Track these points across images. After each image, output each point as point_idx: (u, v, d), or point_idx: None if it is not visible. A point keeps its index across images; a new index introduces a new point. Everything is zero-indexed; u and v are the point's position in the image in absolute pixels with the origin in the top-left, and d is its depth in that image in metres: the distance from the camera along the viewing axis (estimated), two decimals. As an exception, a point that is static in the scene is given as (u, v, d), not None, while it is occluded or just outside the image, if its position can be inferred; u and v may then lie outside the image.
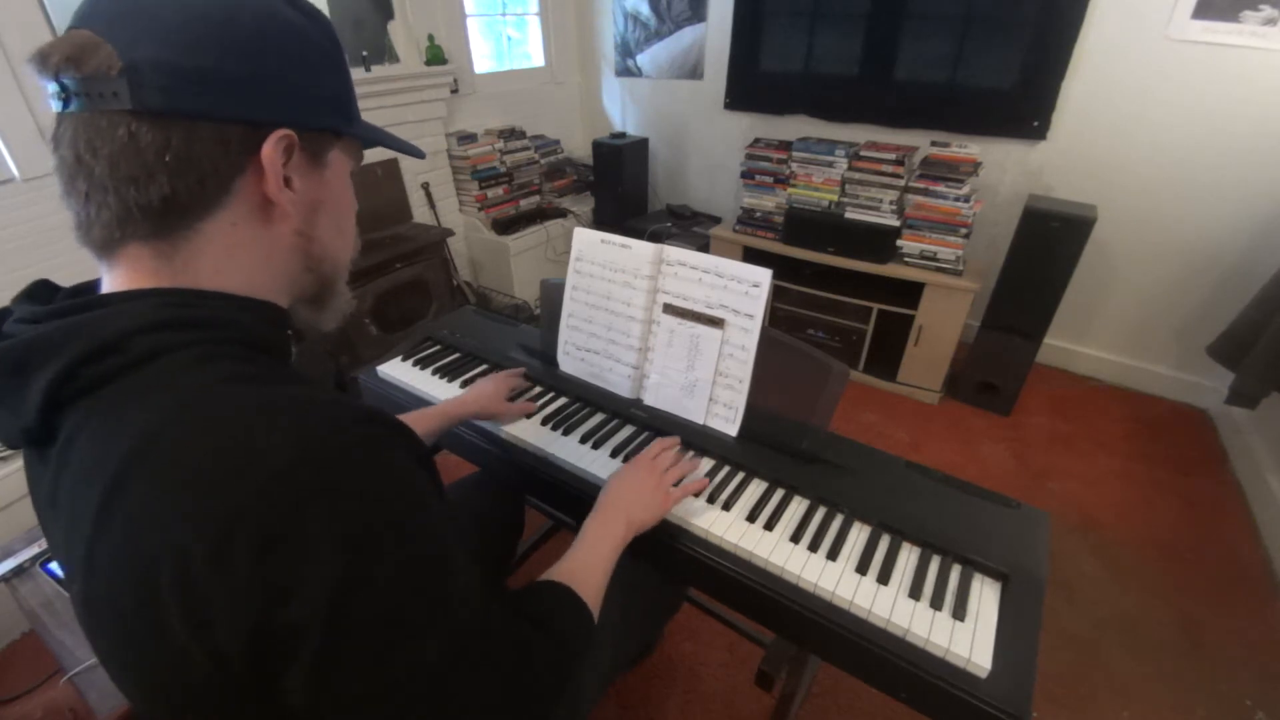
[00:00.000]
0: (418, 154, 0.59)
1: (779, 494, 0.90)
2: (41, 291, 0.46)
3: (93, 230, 0.41)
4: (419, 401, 1.14)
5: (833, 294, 2.40)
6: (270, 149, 0.42)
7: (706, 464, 0.95)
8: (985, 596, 0.75)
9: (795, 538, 0.82)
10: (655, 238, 2.45)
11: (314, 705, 0.37)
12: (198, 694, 0.38)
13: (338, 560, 0.35)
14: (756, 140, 2.57)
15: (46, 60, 0.38)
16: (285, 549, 0.34)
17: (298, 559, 0.35)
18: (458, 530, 0.45)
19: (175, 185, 0.39)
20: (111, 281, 0.43)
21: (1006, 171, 2.40)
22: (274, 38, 0.42)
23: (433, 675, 0.40)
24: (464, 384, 1.15)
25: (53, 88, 0.39)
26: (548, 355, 1.16)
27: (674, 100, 3.19)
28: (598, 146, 3.07)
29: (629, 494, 0.80)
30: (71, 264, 1.69)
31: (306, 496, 0.35)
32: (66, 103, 0.39)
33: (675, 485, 0.84)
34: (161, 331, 0.40)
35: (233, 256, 0.44)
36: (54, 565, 1.06)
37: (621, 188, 3.08)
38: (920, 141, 2.37)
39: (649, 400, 1.06)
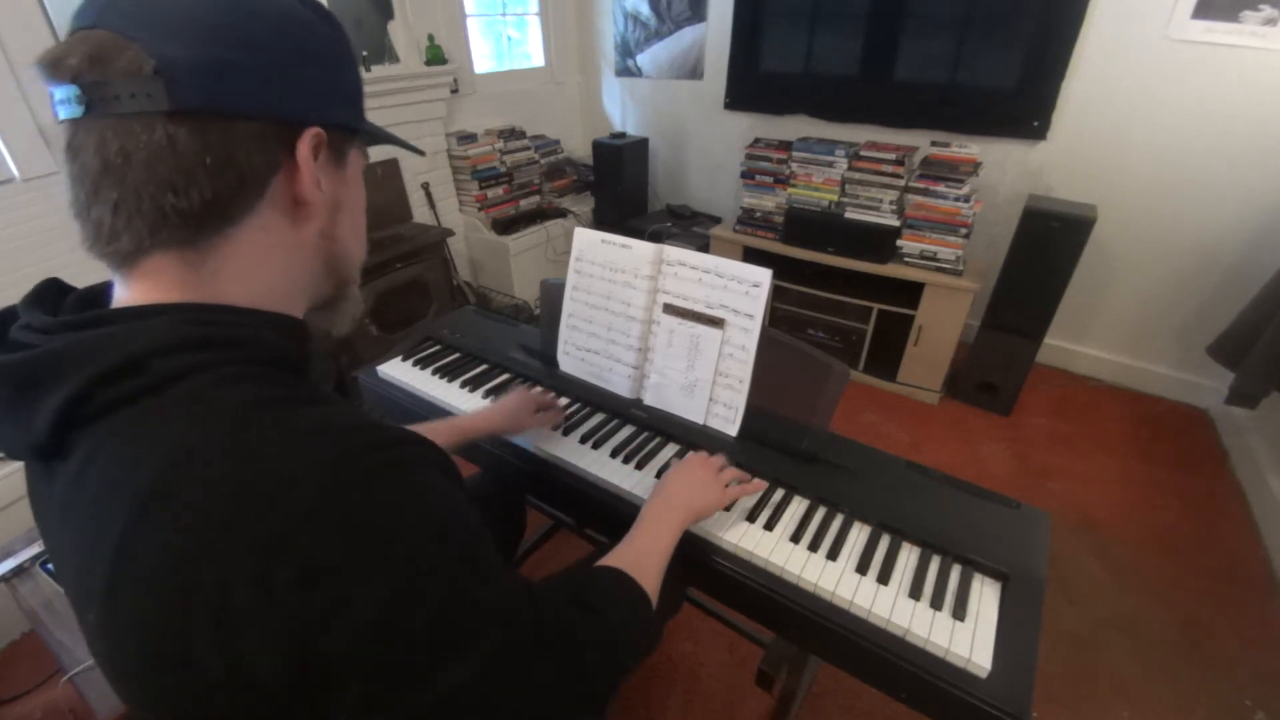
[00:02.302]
0: (418, 152, 0.59)
1: (779, 494, 0.90)
2: (51, 294, 0.44)
3: (118, 240, 0.39)
4: (419, 401, 1.14)
5: (833, 294, 2.40)
6: (305, 147, 0.41)
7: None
8: (985, 596, 0.75)
9: (795, 538, 0.82)
10: (655, 238, 2.45)
11: None
12: None
13: (380, 584, 0.35)
14: (756, 140, 2.57)
15: (60, 64, 0.36)
16: (326, 579, 0.34)
17: (339, 587, 0.34)
18: (482, 532, 0.45)
19: (217, 188, 0.39)
20: (128, 293, 0.41)
21: (1006, 171, 2.40)
22: (295, 33, 0.42)
23: (485, 682, 0.40)
24: (464, 384, 1.15)
25: (66, 92, 0.36)
26: (548, 355, 1.16)
27: (674, 100, 3.18)
28: (598, 146, 3.07)
29: (689, 483, 0.81)
30: (71, 264, 1.68)
31: (343, 524, 0.35)
32: (89, 107, 0.36)
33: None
34: (183, 353, 0.38)
35: (259, 262, 0.44)
36: (55, 573, 1.06)
37: (621, 188, 3.08)
38: (920, 141, 2.37)
39: (649, 400, 1.06)
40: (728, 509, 0.86)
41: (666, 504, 0.77)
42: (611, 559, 0.66)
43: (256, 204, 0.41)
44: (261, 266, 0.44)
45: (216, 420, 0.37)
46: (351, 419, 0.40)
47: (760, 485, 0.88)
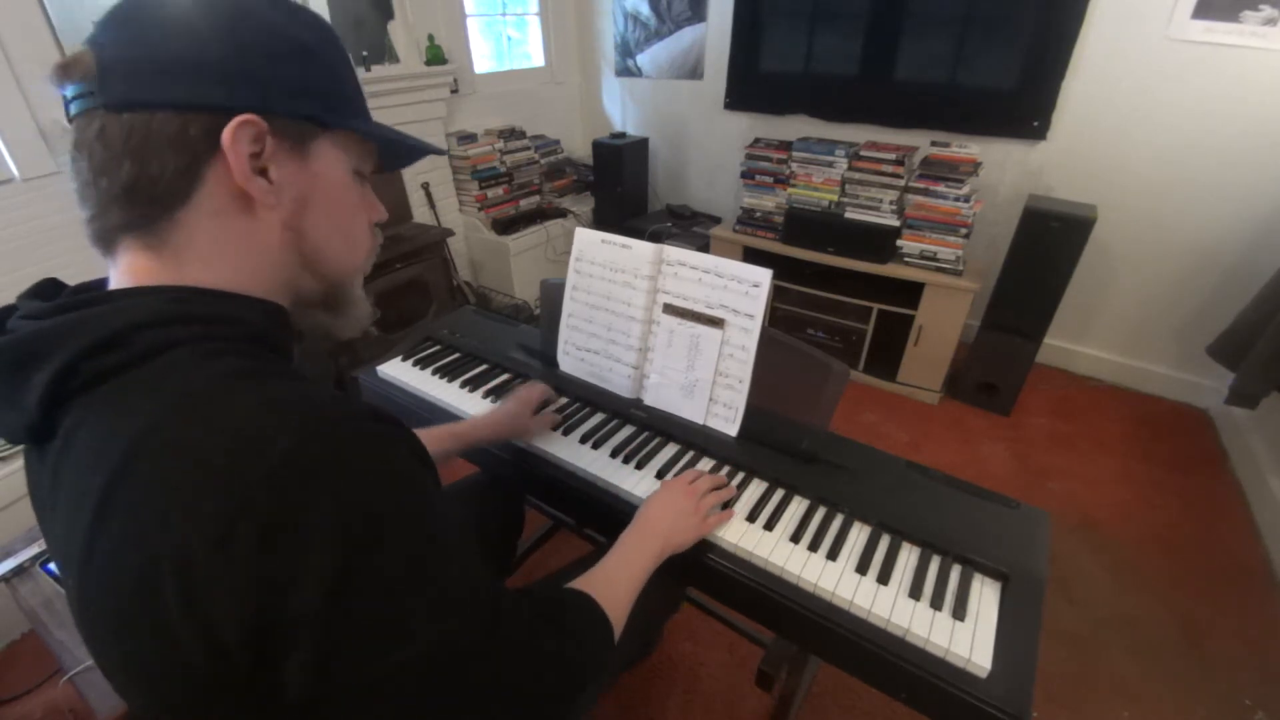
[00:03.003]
0: (437, 150, 0.58)
1: (779, 494, 0.90)
2: (48, 289, 0.46)
3: (88, 226, 0.43)
4: (419, 401, 1.14)
5: (833, 294, 2.40)
6: (230, 134, 0.41)
7: (706, 464, 0.95)
8: (985, 596, 0.75)
9: (795, 538, 0.82)
10: (655, 238, 2.45)
11: (314, 696, 0.37)
12: (196, 689, 0.38)
13: (337, 552, 0.36)
14: (756, 140, 2.57)
15: (52, 77, 0.42)
16: (286, 541, 0.35)
17: (298, 551, 0.35)
18: (460, 526, 0.45)
19: (137, 171, 0.41)
20: (116, 279, 0.44)
21: (1006, 171, 2.40)
22: (241, 28, 0.43)
23: (432, 666, 0.40)
24: (464, 384, 1.15)
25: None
26: (548, 355, 1.16)
27: (674, 100, 3.19)
28: (598, 146, 3.07)
29: (669, 515, 0.80)
30: (71, 264, 1.69)
31: (307, 489, 0.36)
32: (68, 111, 0.41)
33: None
34: (166, 327, 0.40)
35: (221, 250, 0.44)
36: (54, 565, 1.06)
37: (621, 188, 3.08)
38: (920, 141, 2.37)
39: (649, 400, 1.06)
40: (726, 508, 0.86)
41: (645, 533, 0.77)
42: (582, 582, 0.66)
43: (195, 190, 0.42)
44: (224, 254, 0.45)
45: (194, 389, 0.38)
46: (328, 395, 0.41)
47: (731, 513, 0.86)
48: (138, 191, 0.41)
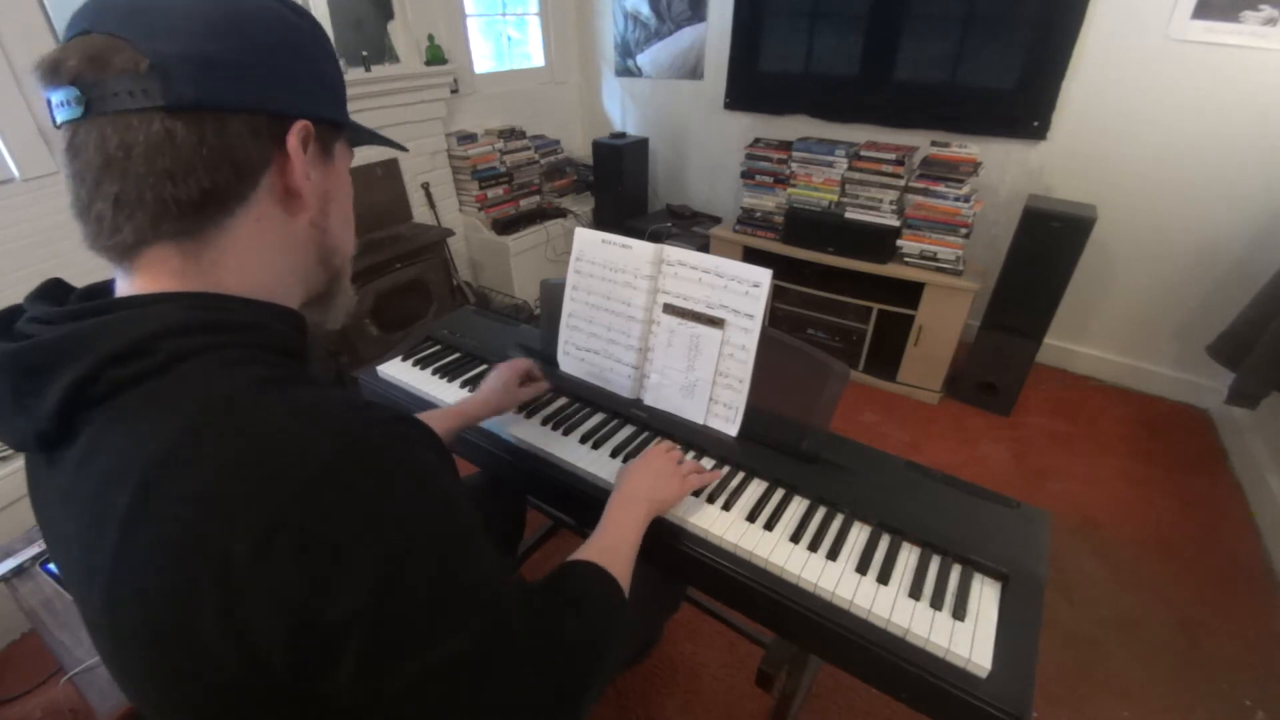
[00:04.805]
0: (401, 148, 0.63)
1: (779, 494, 0.90)
2: (55, 291, 0.45)
3: (119, 233, 0.40)
4: (419, 401, 1.14)
5: (833, 294, 2.40)
6: (294, 139, 0.43)
7: (706, 464, 0.95)
8: (985, 596, 0.75)
9: (795, 538, 0.82)
10: (655, 238, 2.45)
11: (361, 701, 0.37)
12: (227, 701, 0.37)
13: (378, 560, 0.36)
14: (756, 140, 2.57)
15: (59, 67, 0.37)
16: (325, 552, 0.35)
17: (337, 561, 0.35)
18: (480, 522, 0.46)
19: (214, 178, 0.40)
20: (131, 285, 0.42)
21: (1006, 171, 2.40)
22: (278, 30, 0.43)
23: (476, 661, 0.41)
24: (464, 384, 1.15)
25: (65, 95, 0.37)
26: (548, 355, 1.16)
27: (674, 100, 3.19)
28: (598, 146, 3.07)
29: (648, 476, 0.82)
30: (72, 264, 1.68)
31: (344, 501, 0.36)
32: (88, 107, 0.37)
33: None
34: (190, 335, 0.40)
35: (256, 253, 0.45)
36: (54, 565, 1.06)
37: (621, 188, 3.08)
38: (920, 141, 2.36)
39: (649, 400, 1.06)
40: (727, 509, 0.87)
41: (630, 497, 0.78)
42: (582, 553, 0.67)
43: (251, 194, 0.43)
44: (258, 257, 0.45)
45: (224, 396, 0.38)
46: (352, 400, 0.42)
47: (717, 474, 0.89)
48: (210, 197, 0.40)
